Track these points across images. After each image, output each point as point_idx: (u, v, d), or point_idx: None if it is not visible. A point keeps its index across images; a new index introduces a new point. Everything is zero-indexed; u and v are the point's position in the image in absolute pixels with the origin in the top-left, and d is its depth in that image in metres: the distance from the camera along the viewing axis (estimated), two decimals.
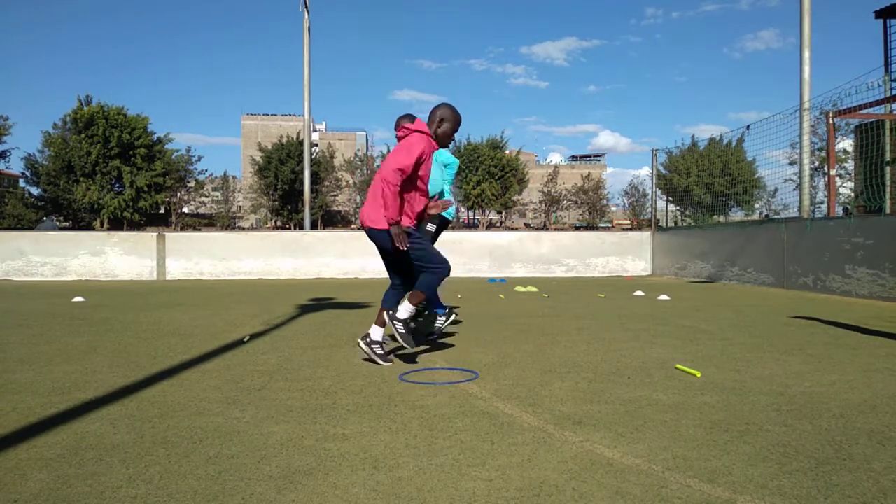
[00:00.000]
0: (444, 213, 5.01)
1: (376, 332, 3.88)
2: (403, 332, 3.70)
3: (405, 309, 3.74)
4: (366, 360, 3.91)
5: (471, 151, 48.91)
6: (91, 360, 4.01)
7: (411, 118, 4.98)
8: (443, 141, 3.92)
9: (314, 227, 44.96)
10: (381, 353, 3.84)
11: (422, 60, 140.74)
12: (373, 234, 3.83)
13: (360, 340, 3.91)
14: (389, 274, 4.11)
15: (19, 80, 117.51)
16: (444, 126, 3.87)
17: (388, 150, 48.00)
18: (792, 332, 5.15)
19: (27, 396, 3.07)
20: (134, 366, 3.82)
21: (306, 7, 16.10)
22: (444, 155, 5.09)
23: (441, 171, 5.00)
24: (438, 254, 3.86)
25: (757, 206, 36.59)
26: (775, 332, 5.10)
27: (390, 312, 3.75)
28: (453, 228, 18.30)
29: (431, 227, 5.14)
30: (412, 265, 3.86)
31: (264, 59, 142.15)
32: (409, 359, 4.00)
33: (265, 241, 13.12)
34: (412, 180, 3.77)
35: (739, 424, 2.59)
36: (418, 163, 3.71)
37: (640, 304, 7.58)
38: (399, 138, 3.89)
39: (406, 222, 3.82)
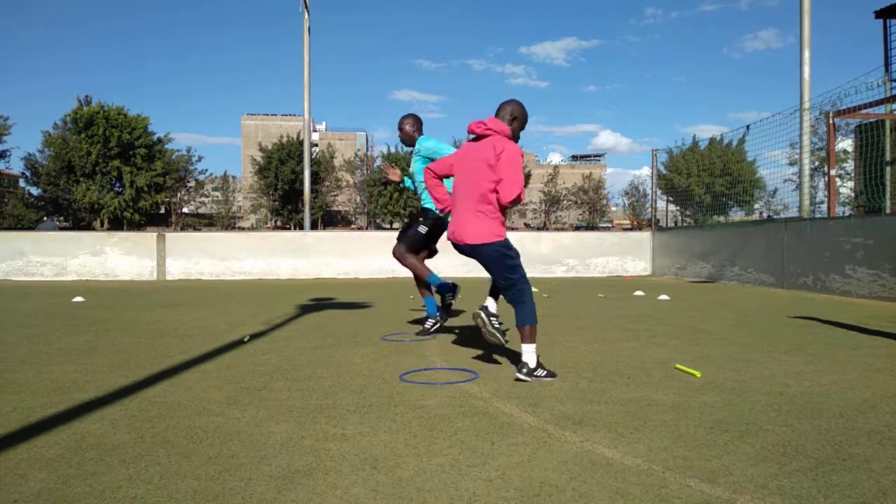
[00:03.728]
0: (440, 214, 4.52)
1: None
2: (544, 374, 3.43)
3: (529, 354, 3.42)
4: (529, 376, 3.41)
5: None
6: (91, 360, 4.01)
7: (415, 118, 5.01)
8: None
9: (314, 227, 44.97)
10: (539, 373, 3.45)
11: (422, 60, 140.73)
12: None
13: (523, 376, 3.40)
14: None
15: (19, 80, 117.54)
16: (514, 125, 3.66)
17: (388, 150, 48.57)
18: (792, 332, 5.15)
19: (27, 396, 3.07)
20: (134, 366, 3.82)
21: (306, 7, 16.10)
22: (427, 143, 4.85)
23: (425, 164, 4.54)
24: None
25: (757, 206, 36.57)
26: (775, 332, 5.10)
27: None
28: None
29: (423, 229, 4.90)
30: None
31: (264, 59, 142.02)
32: (409, 359, 4.00)
33: (265, 241, 13.11)
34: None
35: (739, 424, 2.59)
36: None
37: (640, 304, 7.58)
38: (478, 136, 3.63)
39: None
